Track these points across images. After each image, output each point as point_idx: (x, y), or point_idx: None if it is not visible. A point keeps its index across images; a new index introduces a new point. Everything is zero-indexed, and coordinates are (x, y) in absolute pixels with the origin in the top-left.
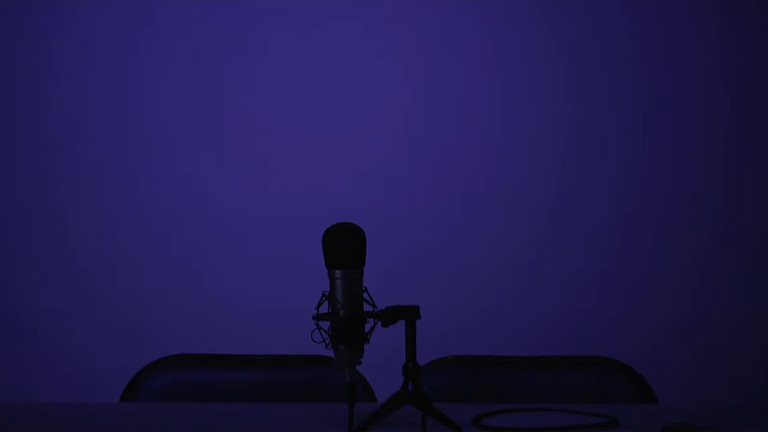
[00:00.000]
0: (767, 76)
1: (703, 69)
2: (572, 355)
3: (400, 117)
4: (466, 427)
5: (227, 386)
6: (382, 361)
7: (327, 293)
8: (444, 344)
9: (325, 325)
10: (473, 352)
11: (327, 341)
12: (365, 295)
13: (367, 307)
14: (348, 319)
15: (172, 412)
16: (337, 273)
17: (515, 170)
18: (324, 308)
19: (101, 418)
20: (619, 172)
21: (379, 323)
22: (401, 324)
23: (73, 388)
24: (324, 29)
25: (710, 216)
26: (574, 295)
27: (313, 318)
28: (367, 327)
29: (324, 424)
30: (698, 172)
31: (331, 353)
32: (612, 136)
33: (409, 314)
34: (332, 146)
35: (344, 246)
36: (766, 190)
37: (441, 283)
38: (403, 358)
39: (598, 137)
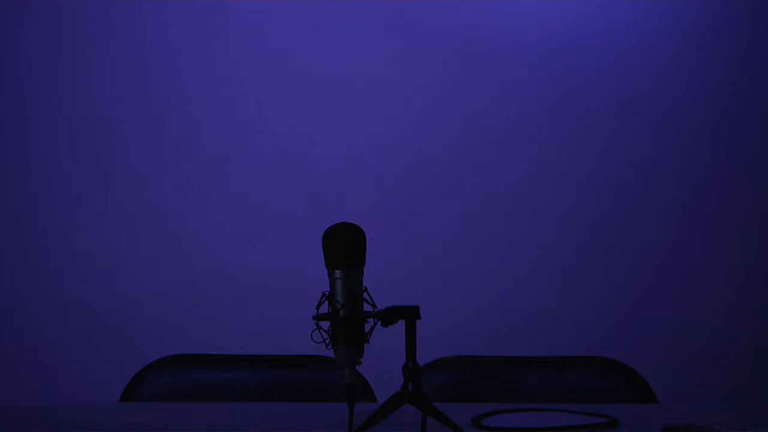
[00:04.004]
0: (765, 73)
1: (705, 68)
2: (572, 356)
3: (401, 117)
4: (466, 427)
5: (227, 386)
6: (382, 361)
7: (327, 293)
8: (444, 344)
9: (325, 325)
10: (473, 352)
11: (327, 341)
12: (365, 295)
13: (367, 307)
14: (348, 319)
15: (172, 412)
16: (337, 273)
17: (516, 170)
18: (324, 308)
19: (101, 418)
20: (621, 172)
21: (379, 323)
22: (401, 324)
23: (73, 388)
24: (323, 29)
25: (710, 216)
26: (575, 295)
27: (313, 318)
28: (367, 327)
29: (324, 424)
30: (700, 171)
31: (331, 353)
32: (614, 136)
33: (409, 314)
34: (332, 146)
35: (344, 246)
36: (767, 188)
37: (441, 283)
38: (403, 358)
39: (600, 137)
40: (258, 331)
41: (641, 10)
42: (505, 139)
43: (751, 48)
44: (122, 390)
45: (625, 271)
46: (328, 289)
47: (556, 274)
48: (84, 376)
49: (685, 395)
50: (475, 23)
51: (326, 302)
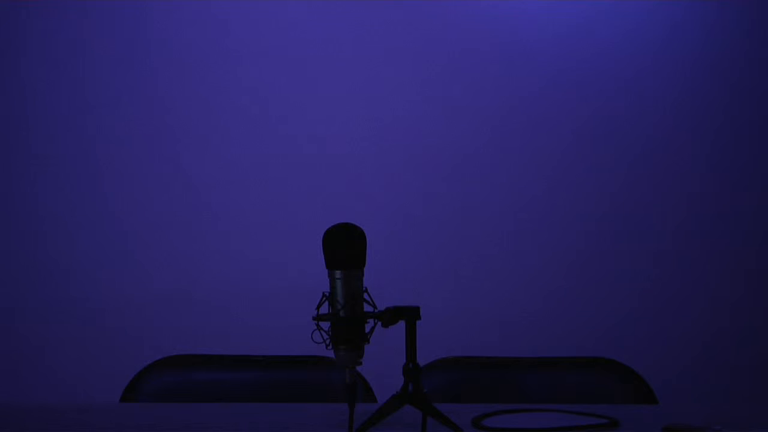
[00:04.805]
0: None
1: (709, 68)
2: (572, 356)
3: (401, 117)
4: (466, 427)
5: (227, 386)
6: (382, 361)
7: (327, 294)
8: (444, 344)
9: (325, 325)
10: (473, 352)
11: (327, 342)
12: (365, 296)
13: (367, 308)
14: (348, 319)
15: (172, 412)
16: (337, 273)
17: (516, 171)
18: (324, 309)
19: (101, 418)
20: (621, 174)
21: (379, 324)
22: (401, 324)
23: (73, 388)
24: (324, 29)
25: (709, 218)
26: (575, 295)
27: (313, 318)
28: (367, 327)
29: (324, 424)
30: (701, 173)
31: (331, 353)
32: (616, 138)
33: (409, 315)
34: (332, 146)
35: (344, 246)
36: (767, 192)
37: (441, 283)
38: (403, 358)
39: (601, 140)
40: (258, 331)
41: (644, 13)
42: (507, 140)
43: (754, 49)
44: (122, 390)
45: (626, 272)
46: (328, 290)
47: (556, 275)
48: (84, 376)
49: (685, 395)
50: (479, 25)
51: (326, 302)
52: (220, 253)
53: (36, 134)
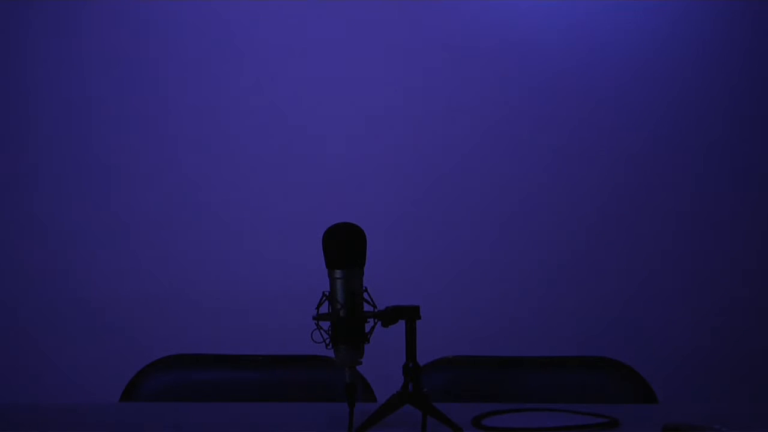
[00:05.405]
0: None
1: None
2: (572, 355)
3: (401, 117)
4: (466, 427)
5: (227, 386)
6: (382, 361)
7: (327, 293)
8: (444, 344)
9: (325, 325)
10: (473, 352)
11: (327, 341)
12: (365, 295)
13: (367, 307)
14: (348, 319)
15: (172, 412)
16: (337, 273)
17: (516, 170)
18: (324, 308)
19: (101, 418)
20: (620, 171)
21: (379, 323)
22: (401, 324)
23: (73, 388)
24: (326, 28)
25: (710, 215)
26: (575, 294)
27: (313, 318)
28: (367, 327)
29: (324, 424)
30: (699, 172)
31: (331, 353)
32: (614, 134)
33: (409, 314)
34: (333, 146)
35: (344, 246)
36: (767, 188)
37: (441, 283)
38: (403, 358)
39: (600, 136)
40: (258, 331)
41: (645, 12)
42: (508, 140)
43: (753, 49)
44: (122, 390)
45: (626, 271)
46: (328, 289)
47: (556, 274)
48: (84, 376)
49: (685, 395)
50: (479, 24)
51: (326, 302)
52: (220, 253)
53: (40, 135)
